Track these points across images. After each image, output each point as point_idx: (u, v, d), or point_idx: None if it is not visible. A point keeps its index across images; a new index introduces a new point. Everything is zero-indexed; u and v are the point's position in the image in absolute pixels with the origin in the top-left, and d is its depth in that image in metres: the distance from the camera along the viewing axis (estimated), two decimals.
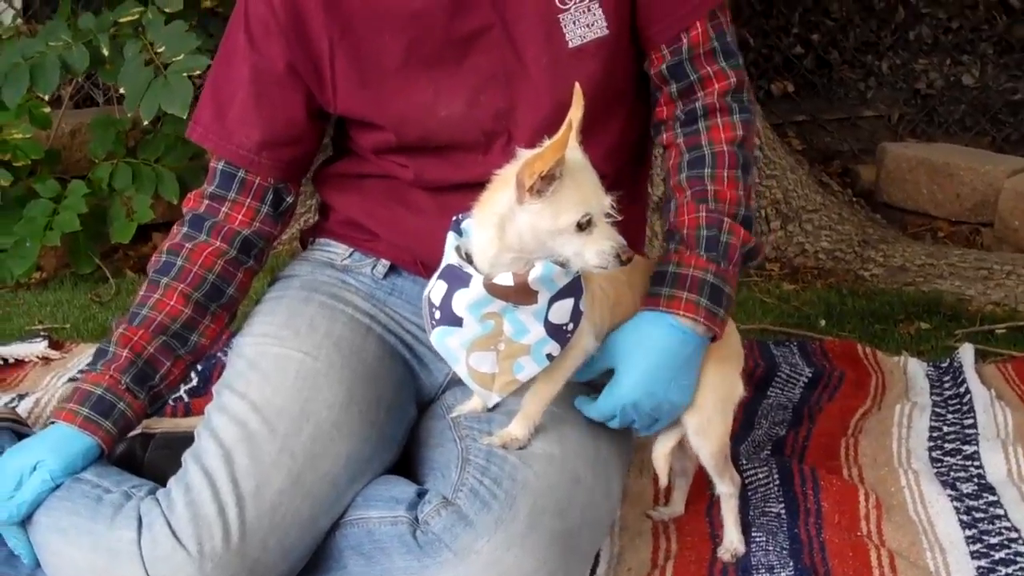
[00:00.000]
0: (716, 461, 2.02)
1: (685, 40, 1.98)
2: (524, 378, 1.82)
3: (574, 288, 1.77)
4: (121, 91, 3.76)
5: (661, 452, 2.02)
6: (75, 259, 4.06)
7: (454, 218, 1.81)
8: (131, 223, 4.03)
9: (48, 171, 4.11)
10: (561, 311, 1.76)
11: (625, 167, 2.10)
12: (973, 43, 5.85)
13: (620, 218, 1.73)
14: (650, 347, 1.88)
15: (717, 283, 1.90)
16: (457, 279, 1.76)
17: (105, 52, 3.66)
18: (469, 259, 1.77)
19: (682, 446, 2.04)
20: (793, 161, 4.45)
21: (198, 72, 3.52)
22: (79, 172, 4.19)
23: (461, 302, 1.75)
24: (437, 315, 1.79)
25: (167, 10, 3.64)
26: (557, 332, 1.78)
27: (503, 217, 1.70)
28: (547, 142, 1.65)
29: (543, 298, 1.74)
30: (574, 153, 1.71)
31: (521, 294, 1.73)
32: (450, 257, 1.78)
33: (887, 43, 5.86)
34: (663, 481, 2.11)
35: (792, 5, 5.86)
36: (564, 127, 1.65)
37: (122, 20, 3.67)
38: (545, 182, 1.65)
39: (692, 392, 1.93)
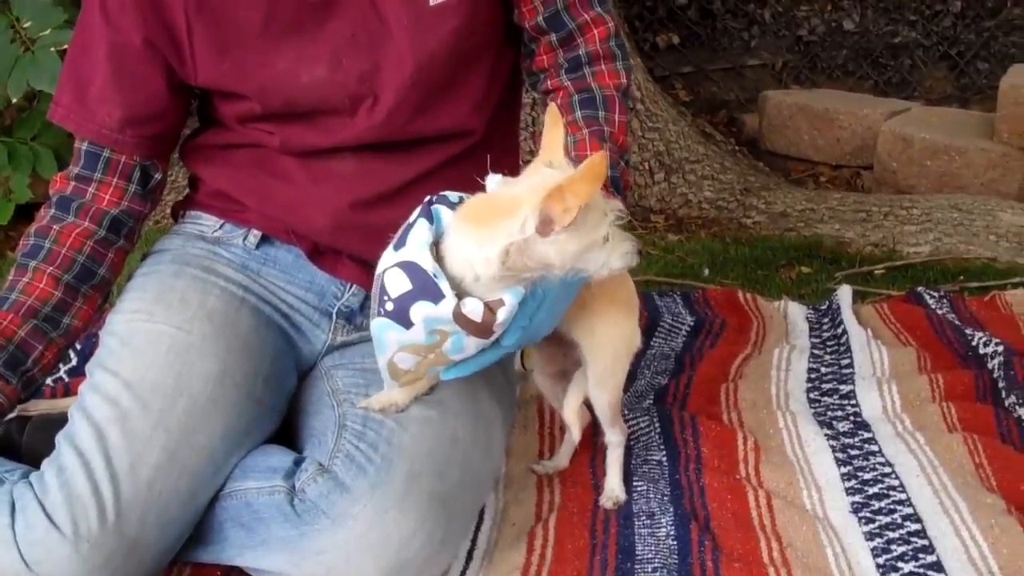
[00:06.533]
0: (612, 411, 2.03)
1: None
2: (431, 380, 1.84)
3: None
4: None
5: (572, 408, 2.04)
6: None
7: (427, 198, 1.73)
8: (9, 203, 3.95)
9: None
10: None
11: (495, 119, 2.09)
12: None
13: (628, 218, 1.72)
14: None
15: None
16: (426, 290, 1.67)
17: None
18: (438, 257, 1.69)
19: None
20: (675, 113, 4.48)
21: (65, 46, 3.44)
22: None
23: (420, 313, 1.69)
24: (389, 307, 1.71)
25: None
26: (482, 352, 1.78)
27: (514, 246, 1.63)
28: (551, 171, 1.62)
29: (495, 336, 1.73)
30: (571, 168, 1.65)
31: (482, 330, 1.70)
32: (423, 258, 1.68)
33: None
34: (576, 436, 2.14)
35: None
36: (600, 157, 1.55)
37: None
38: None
39: None
